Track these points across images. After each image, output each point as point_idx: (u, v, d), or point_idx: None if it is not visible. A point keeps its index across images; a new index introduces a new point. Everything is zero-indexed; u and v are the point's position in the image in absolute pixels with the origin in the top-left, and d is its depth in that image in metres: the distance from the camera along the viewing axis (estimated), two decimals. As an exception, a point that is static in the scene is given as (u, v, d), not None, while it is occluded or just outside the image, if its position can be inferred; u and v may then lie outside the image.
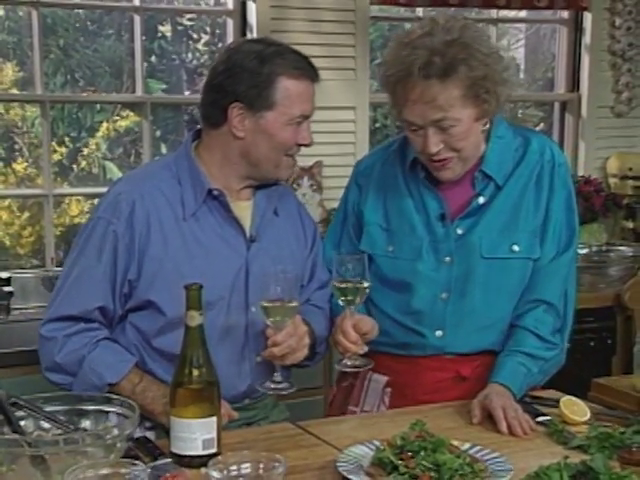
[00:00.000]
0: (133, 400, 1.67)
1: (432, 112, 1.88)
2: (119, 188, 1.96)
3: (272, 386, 1.84)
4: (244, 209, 1.99)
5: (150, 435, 1.82)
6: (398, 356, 2.06)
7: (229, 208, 1.95)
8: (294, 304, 1.79)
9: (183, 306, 1.72)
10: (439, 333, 2.01)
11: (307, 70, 1.94)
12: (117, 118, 3.91)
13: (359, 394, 2.11)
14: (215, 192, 1.93)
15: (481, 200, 2.01)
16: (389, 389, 2.07)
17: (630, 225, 4.24)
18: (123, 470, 1.37)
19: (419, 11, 3.99)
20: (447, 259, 2.01)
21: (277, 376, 1.84)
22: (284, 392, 1.84)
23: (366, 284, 1.90)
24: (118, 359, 1.91)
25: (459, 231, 2.01)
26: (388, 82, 1.95)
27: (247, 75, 1.89)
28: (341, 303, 1.92)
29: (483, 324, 2.01)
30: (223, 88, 1.92)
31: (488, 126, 2.00)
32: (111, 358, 1.90)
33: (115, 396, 1.66)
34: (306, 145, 1.97)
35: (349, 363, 1.92)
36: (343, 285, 1.89)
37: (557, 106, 4.51)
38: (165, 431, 1.78)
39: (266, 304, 1.78)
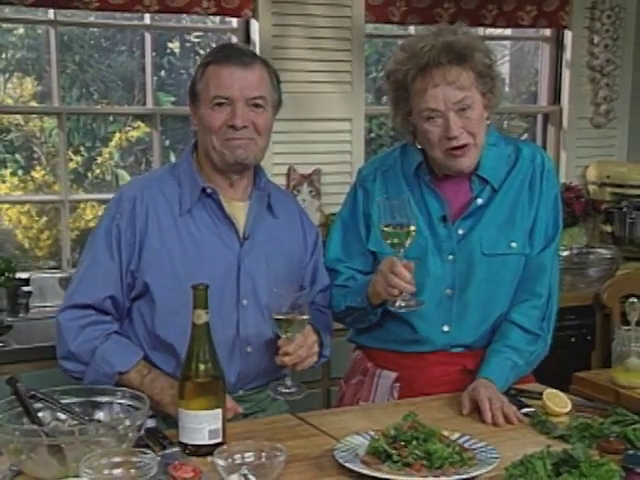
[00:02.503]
0: (142, 391, 1.67)
1: (455, 93, 1.90)
2: (124, 189, 2.00)
3: (284, 390, 1.80)
4: (239, 209, 1.98)
5: (152, 422, 1.81)
6: (407, 353, 2.05)
7: (222, 206, 1.95)
8: (304, 317, 1.77)
9: (173, 296, 1.77)
10: (446, 328, 2.01)
11: (231, 56, 1.91)
12: (129, 129, 3.90)
13: (369, 390, 2.09)
14: (208, 190, 1.94)
15: (479, 202, 2.02)
16: (398, 384, 2.06)
17: (608, 229, 4.24)
18: (134, 458, 1.37)
19: (411, 29, 3.99)
20: (450, 257, 2.00)
21: (287, 380, 1.81)
22: (295, 397, 1.80)
23: (412, 227, 1.83)
24: (128, 350, 1.91)
25: (460, 231, 2.01)
26: (406, 77, 1.94)
27: (194, 75, 1.97)
28: (389, 247, 1.84)
29: (485, 316, 2.01)
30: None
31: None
32: (122, 349, 1.90)
33: (125, 389, 1.66)
34: (234, 127, 1.89)
35: (403, 304, 1.85)
36: (390, 229, 1.82)
37: (540, 118, 4.52)
38: (165, 420, 1.79)
39: (278, 317, 1.75)
